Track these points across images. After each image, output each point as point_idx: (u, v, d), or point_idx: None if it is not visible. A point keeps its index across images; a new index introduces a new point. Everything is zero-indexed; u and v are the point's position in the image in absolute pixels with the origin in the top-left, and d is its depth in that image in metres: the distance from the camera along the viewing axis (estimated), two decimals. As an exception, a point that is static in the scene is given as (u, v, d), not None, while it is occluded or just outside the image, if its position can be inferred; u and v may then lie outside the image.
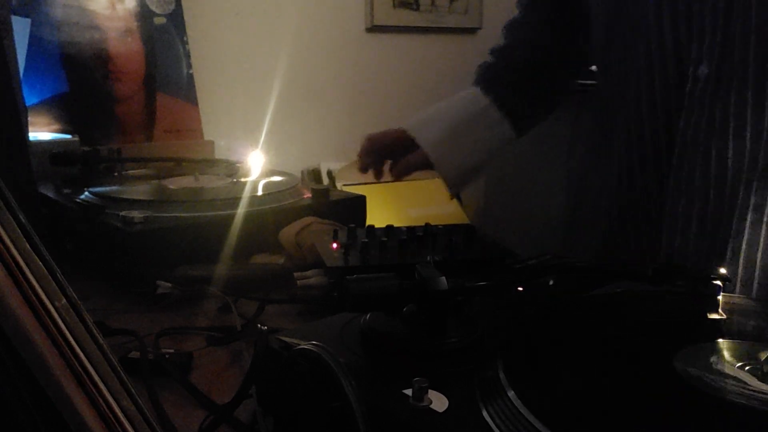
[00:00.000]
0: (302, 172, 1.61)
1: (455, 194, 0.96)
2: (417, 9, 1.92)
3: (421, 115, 0.93)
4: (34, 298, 0.24)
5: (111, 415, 0.26)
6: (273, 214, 0.83)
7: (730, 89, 0.65)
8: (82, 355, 0.25)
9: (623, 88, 0.77)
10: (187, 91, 1.49)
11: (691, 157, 0.70)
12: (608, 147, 0.82)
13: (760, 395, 0.34)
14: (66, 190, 0.91)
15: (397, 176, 0.92)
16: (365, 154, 0.93)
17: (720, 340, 0.41)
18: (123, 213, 0.75)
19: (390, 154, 0.93)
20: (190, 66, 1.50)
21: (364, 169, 0.93)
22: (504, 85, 0.91)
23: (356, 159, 0.94)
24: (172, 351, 0.57)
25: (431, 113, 0.92)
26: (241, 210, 0.81)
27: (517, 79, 0.91)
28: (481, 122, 0.90)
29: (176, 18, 1.48)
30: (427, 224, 0.73)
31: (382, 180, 0.96)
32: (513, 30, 0.95)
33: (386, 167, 0.95)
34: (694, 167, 0.69)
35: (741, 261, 0.69)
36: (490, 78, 0.92)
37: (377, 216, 1.02)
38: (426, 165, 0.90)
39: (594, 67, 0.88)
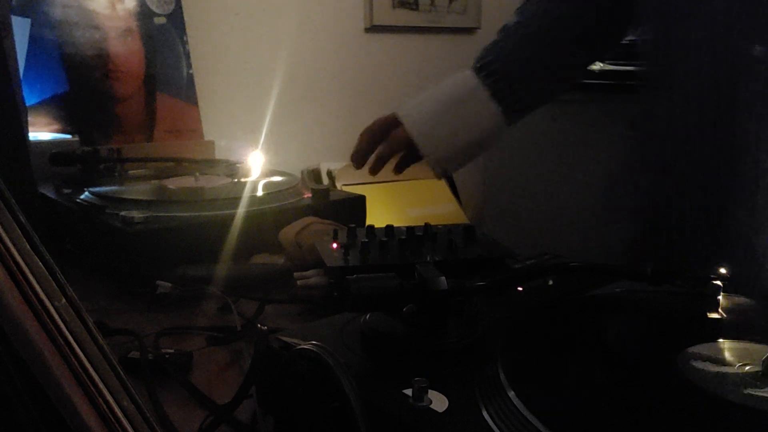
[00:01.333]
0: (302, 172, 1.61)
1: (441, 175, 0.91)
2: (416, 9, 1.92)
3: (415, 97, 0.90)
4: (34, 298, 0.24)
5: (111, 415, 0.26)
6: (273, 214, 0.83)
7: None
8: (82, 355, 0.25)
9: (676, 72, 0.72)
10: (187, 91, 1.49)
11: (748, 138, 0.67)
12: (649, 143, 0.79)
13: (761, 395, 0.34)
14: (66, 190, 0.91)
15: (381, 156, 0.88)
16: (358, 147, 0.89)
17: (720, 340, 0.41)
18: (123, 213, 0.75)
19: (381, 141, 0.89)
20: (190, 66, 1.50)
21: (359, 165, 0.89)
22: (497, 67, 0.85)
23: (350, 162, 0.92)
24: (172, 351, 0.57)
25: (424, 94, 0.89)
26: (241, 210, 0.81)
27: (514, 59, 0.85)
28: (467, 102, 0.86)
29: (176, 18, 1.48)
30: (427, 224, 0.73)
31: (376, 174, 0.91)
32: (524, 8, 0.88)
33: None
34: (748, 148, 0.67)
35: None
36: (483, 57, 0.87)
37: (377, 216, 1.02)
38: (411, 144, 0.86)
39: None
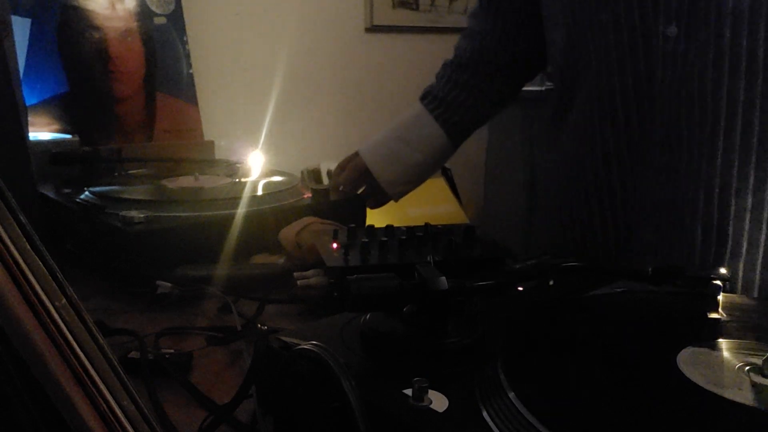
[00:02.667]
0: (302, 172, 1.61)
1: (396, 197, 1.01)
2: (416, 9, 1.92)
3: None
4: (34, 298, 0.24)
5: (111, 415, 0.26)
6: (273, 214, 0.83)
7: (699, 47, 0.66)
8: (82, 355, 0.25)
9: (588, 65, 0.76)
10: (187, 91, 1.49)
11: (666, 121, 0.70)
12: (571, 134, 0.82)
13: (761, 395, 0.34)
14: (66, 190, 0.91)
15: (344, 182, 0.98)
16: (331, 179, 1.01)
17: (720, 340, 0.41)
18: (123, 213, 0.75)
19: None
20: (190, 66, 1.50)
21: (334, 195, 0.98)
22: (437, 93, 0.96)
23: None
24: (172, 351, 0.57)
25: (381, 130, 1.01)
26: (241, 210, 0.81)
27: (451, 86, 0.96)
28: (413, 126, 0.97)
29: (176, 18, 1.48)
30: (427, 224, 0.73)
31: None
32: (458, 44, 0.99)
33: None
34: (670, 129, 0.70)
35: (741, 263, 0.69)
36: (426, 88, 0.98)
37: (377, 216, 1.02)
38: (367, 170, 0.97)
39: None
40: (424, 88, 0.99)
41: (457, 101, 0.95)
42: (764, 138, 0.66)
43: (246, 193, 0.87)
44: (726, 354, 0.39)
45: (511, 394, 0.34)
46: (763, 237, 0.69)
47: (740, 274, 0.70)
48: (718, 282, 0.48)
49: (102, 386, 0.26)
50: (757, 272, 0.70)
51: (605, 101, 0.74)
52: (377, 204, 1.02)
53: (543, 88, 1.84)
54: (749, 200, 0.68)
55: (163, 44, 1.46)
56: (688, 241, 0.71)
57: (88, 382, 0.25)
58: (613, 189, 0.77)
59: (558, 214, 0.85)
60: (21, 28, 1.27)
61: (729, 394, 0.34)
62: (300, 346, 0.37)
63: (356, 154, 0.99)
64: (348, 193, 0.96)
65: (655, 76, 0.70)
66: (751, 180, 0.67)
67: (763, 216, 0.68)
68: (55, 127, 1.30)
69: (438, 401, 0.35)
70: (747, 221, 0.68)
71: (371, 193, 1.00)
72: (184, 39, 1.49)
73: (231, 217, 0.79)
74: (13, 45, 0.94)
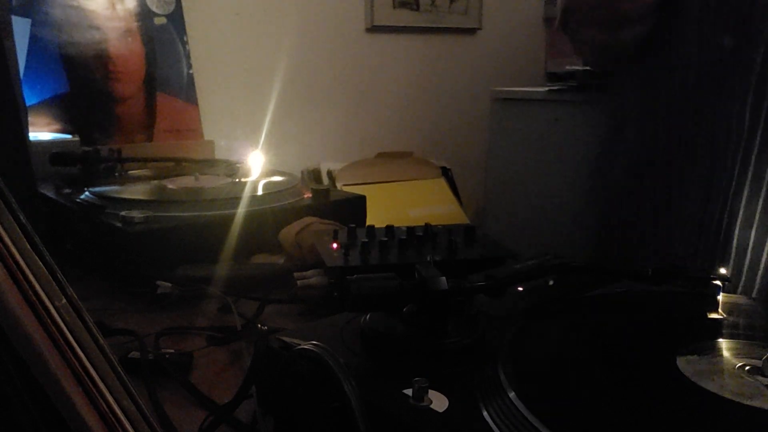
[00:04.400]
0: (302, 172, 1.61)
1: None
2: (417, 9, 1.92)
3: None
4: (34, 298, 0.24)
5: (111, 415, 0.26)
6: (273, 214, 0.83)
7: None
8: (82, 355, 0.25)
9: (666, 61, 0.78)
10: (187, 91, 1.49)
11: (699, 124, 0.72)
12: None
13: (760, 395, 0.34)
14: (66, 190, 0.91)
15: None
16: None
17: (720, 340, 0.41)
18: (123, 213, 0.75)
19: None
20: (190, 66, 1.50)
21: None
22: None
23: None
24: (172, 351, 0.57)
25: None
26: (241, 210, 0.81)
27: None
28: None
29: (176, 18, 1.48)
30: (427, 224, 0.73)
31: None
32: None
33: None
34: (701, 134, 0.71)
35: (746, 262, 0.69)
36: None
37: (377, 216, 1.02)
38: None
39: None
40: None
41: None
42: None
43: (246, 193, 0.87)
44: (726, 354, 0.39)
45: (511, 394, 0.34)
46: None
47: (742, 276, 0.70)
48: (718, 282, 0.48)
49: (102, 386, 0.26)
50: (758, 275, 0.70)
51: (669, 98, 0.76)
52: None
53: (544, 89, 1.84)
54: (759, 206, 0.69)
55: (163, 44, 1.46)
56: (692, 244, 0.71)
57: (88, 382, 0.25)
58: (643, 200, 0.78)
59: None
60: (21, 28, 1.27)
61: (728, 394, 0.34)
62: (300, 346, 0.37)
63: None
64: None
65: (716, 85, 0.71)
66: (764, 190, 0.68)
67: None
68: (55, 127, 1.30)
69: (438, 401, 0.35)
70: (754, 227, 0.69)
71: None
72: (184, 39, 1.49)
73: (231, 217, 0.79)
74: (13, 45, 0.94)
